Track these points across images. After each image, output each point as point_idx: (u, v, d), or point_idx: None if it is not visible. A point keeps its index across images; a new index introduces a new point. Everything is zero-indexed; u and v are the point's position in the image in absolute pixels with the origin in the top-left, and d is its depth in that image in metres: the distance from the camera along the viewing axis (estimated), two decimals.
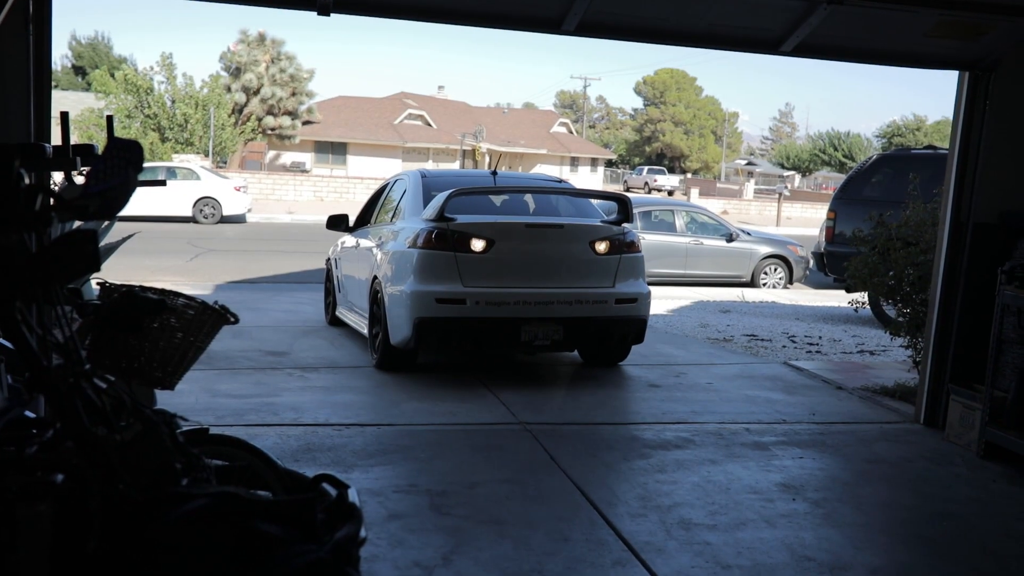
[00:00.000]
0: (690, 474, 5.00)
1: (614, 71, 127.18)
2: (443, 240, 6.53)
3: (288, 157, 46.49)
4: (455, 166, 49.28)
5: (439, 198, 6.71)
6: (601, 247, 6.85)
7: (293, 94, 44.83)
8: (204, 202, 23.52)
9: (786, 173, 69.35)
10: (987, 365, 5.51)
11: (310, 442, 5.18)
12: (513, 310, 6.49)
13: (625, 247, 6.97)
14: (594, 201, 8.08)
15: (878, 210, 8.03)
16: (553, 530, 4.10)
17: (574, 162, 55.64)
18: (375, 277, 7.21)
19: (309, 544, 1.79)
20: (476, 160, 47.74)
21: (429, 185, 7.42)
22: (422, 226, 6.67)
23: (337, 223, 8.81)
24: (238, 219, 24.81)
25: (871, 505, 4.73)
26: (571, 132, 62.35)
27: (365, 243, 7.97)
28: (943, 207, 6.24)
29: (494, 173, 7.69)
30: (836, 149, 70.09)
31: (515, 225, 6.85)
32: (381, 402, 6.18)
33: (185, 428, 2.35)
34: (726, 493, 4.75)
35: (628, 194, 7.35)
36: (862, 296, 8.65)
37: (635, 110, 77.99)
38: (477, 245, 6.56)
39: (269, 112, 43.84)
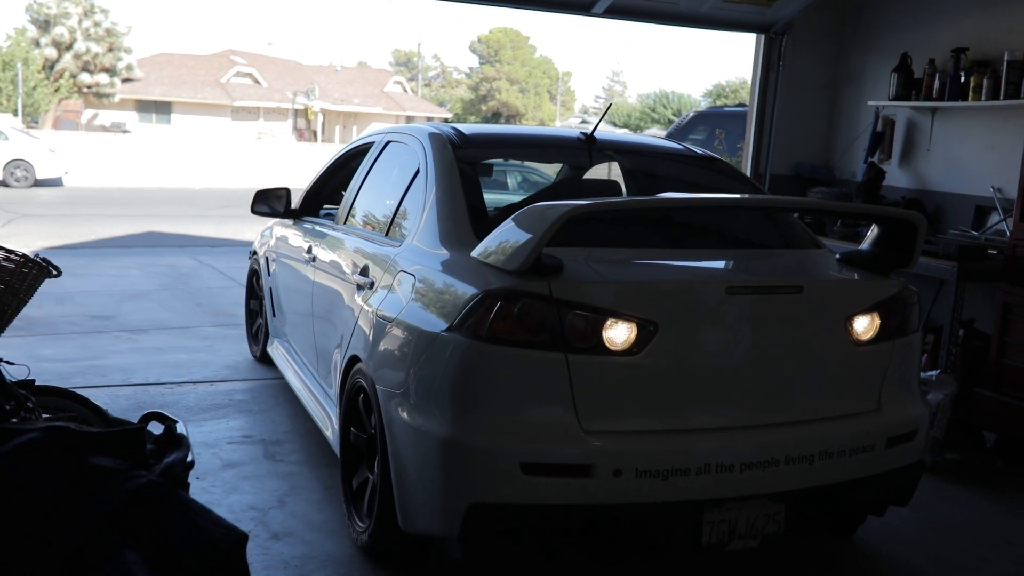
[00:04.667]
0: None
1: (448, 30, 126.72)
2: (539, 323, 2.84)
3: (108, 117, 44.12)
4: (287, 125, 48.16)
5: (527, 220, 2.92)
6: (862, 326, 3.21)
7: (110, 50, 42.50)
8: (15, 164, 22.11)
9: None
10: None
11: (140, 401, 5.17)
12: (695, 485, 2.92)
13: (901, 323, 3.32)
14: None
15: None
16: None
17: (409, 121, 55.38)
18: (355, 357, 3.58)
19: (139, 471, 1.93)
20: (309, 119, 46.80)
21: (466, 161, 3.64)
22: (479, 285, 2.93)
23: (269, 203, 5.30)
24: (54, 182, 23.47)
25: None
26: (406, 91, 61.93)
27: (326, 254, 4.40)
28: (744, 160, 6.79)
29: (590, 138, 3.98)
30: (665, 108, 72.65)
31: (703, 287, 3.13)
32: (215, 359, 6.18)
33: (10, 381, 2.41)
34: None
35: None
36: None
37: (471, 69, 78.11)
38: (617, 335, 2.87)
39: (84, 69, 41.43)
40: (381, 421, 3.21)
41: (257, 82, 50.17)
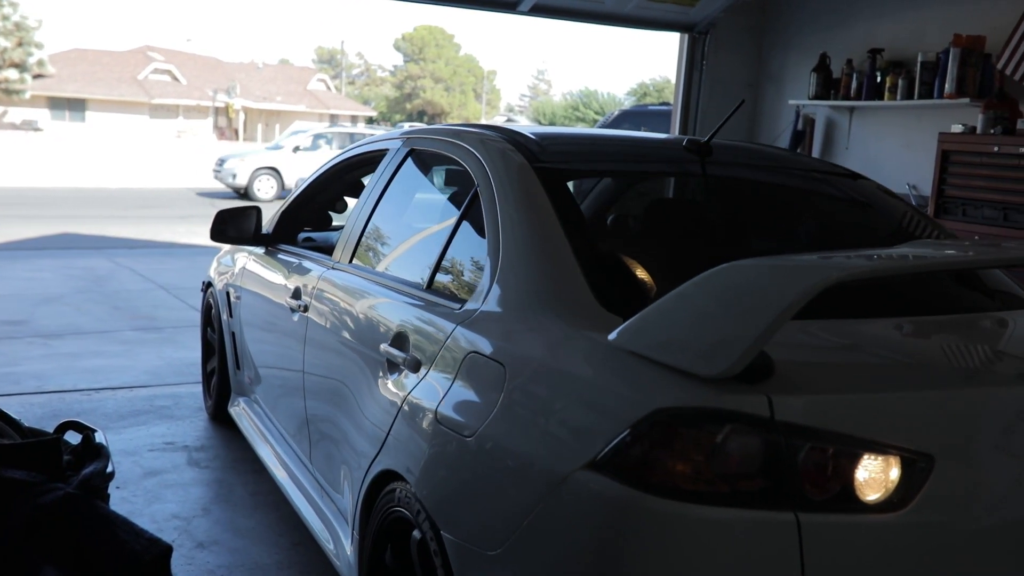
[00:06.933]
0: None
1: (372, 27, 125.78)
2: (753, 463, 1.61)
3: (18, 114, 42.67)
4: (208, 123, 47.23)
5: (736, 291, 1.71)
6: None
7: (20, 45, 41.08)
8: None
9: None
10: None
11: (56, 409, 5.00)
12: None
13: None
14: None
15: None
16: None
17: (333, 119, 54.77)
18: (392, 473, 2.37)
19: (56, 483, 1.85)
20: (230, 118, 45.99)
21: (554, 183, 2.40)
22: (645, 398, 1.69)
23: (234, 227, 4.06)
24: None
25: None
26: (329, 89, 61.22)
27: (326, 305, 3.15)
28: None
29: (705, 147, 2.68)
30: (588, 107, 73.31)
31: (998, 397, 1.82)
32: (135, 364, 6.01)
33: None
34: None
35: None
36: None
37: (395, 67, 77.65)
38: (872, 480, 1.65)
39: None
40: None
41: (176, 79, 49.06)
